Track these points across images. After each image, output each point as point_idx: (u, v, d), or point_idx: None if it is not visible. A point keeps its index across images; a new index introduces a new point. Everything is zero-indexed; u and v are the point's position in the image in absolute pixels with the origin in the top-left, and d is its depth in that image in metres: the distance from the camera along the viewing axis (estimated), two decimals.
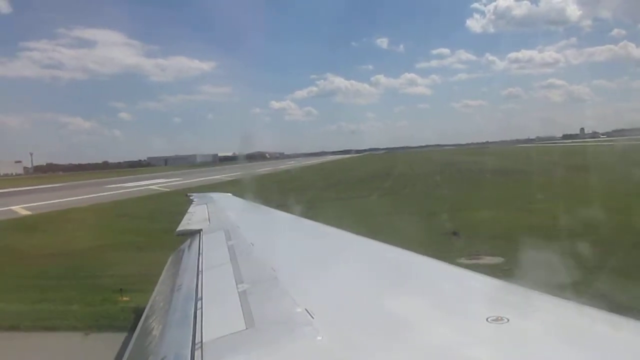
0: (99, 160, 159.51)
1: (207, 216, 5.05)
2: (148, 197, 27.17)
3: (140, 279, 8.57)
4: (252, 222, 4.56)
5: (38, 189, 40.06)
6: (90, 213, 20.48)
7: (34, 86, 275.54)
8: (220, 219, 4.77)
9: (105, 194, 30.66)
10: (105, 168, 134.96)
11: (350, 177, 36.59)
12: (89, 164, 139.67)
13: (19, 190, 38.06)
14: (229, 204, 6.31)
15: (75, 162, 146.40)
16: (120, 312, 6.78)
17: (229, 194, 7.35)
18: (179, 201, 23.74)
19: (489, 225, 11.86)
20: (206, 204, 6.09)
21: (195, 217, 5.17)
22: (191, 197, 7.13)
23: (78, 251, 11.60)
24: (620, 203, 12.41)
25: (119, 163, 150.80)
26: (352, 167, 55.90)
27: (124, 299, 7.39)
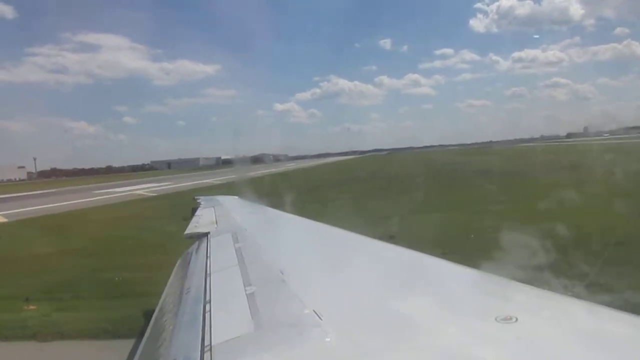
0: (103, 164, 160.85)
1: (215, 219, 5.07)
2: (127, 203, 27.32)
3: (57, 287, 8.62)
4: (259, 225, 4.60)
5: (29, 195, 40.43)
6: (63, 220, 20.59)
7: (39, 91, 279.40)
8: (228, 222, 4.83)
9: (90, 199, 30.79)
10: (108, 172, 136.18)
11: (335, 179, 36.75)
12: (92, 169, 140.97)
13: (9, 197, 38.44)
14: (236, 207, 6.38)
15: (80, 166, 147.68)
16: (16, 321, 6.77)
17: (236, 197, 7.36)
18: (156, 205, 24.28)
19: (433, 228, 11.72)
20: (213, 207, 6.15)
21: (202, 220, 5.19)
22: (198, 200, 7.18)
23: (26, 257, 11.65)
24: (586, 207, 11.91)
25: (123, 167, 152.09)
26: (343, 169, 56.11)
27: (30, 307, 7.39)
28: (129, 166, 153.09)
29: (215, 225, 4.60)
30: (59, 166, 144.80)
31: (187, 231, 4.56)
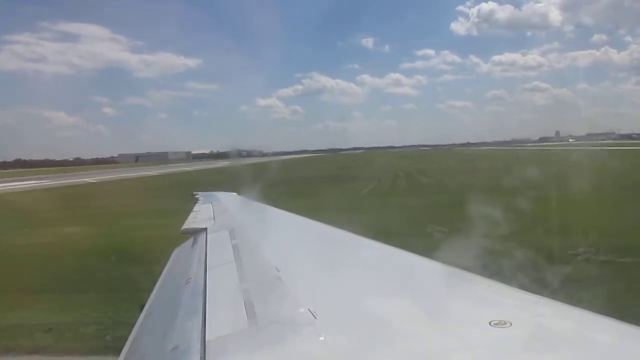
0: (78, 156, 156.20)
1: (212, 215, 5.07)
2: None
3: None
4: (257, 222, 4.54)
5: None
6: None
7: (16, 80, 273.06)
8: (225, 218, 4.85)
9: None
10: (75, 164, 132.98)
11: (231, 178, 35.97)
12: (54, 161, 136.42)
13: None
14: (234, 203, 6.36)
15: (52, 158, 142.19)
16: None
17: (234, 193, 7.28)
18: None
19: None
20: (211, 202, 6.13)
21: (200, 215, 5.20)
22: (197, 196, 7.19)
23: None
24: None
25: (84, 160, 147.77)
26: (263, 169, 56.22)
27: None
28: (92, 159, 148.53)
29: (213, 221, 4.58)
30: (33, 157, 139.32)
31: (185, 226, 4.48)
